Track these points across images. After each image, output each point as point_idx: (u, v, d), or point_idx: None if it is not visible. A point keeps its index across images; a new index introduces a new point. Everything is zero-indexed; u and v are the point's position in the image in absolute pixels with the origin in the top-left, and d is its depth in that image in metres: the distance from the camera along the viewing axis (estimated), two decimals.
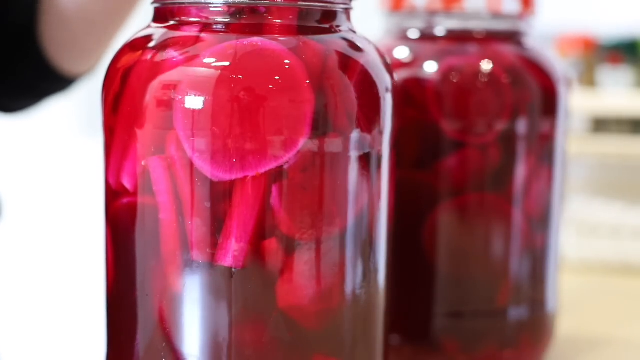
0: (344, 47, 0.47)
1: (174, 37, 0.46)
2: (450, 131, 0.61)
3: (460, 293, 0.62)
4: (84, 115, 2.23)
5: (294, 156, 0.44)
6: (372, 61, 0.48)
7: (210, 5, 0.46)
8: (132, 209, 0.46)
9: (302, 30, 0.46)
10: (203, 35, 0.46)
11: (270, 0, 0.46)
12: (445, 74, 0.61)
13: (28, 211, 1.59)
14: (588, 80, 1.34)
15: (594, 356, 0.72)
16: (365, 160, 0.47)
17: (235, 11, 0.46)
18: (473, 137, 0.61)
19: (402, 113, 0.53)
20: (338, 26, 0.48)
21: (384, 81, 0.48)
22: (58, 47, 0.71)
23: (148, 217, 0.46)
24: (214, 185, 0.44)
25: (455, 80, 0.61)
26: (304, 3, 0.46)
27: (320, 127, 0.44)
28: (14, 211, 0.83)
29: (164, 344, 0.46)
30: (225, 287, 0.45)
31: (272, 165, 0.44)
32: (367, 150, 0.47)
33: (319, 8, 0.47)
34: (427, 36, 0.64)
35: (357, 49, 0.48)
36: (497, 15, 0.63)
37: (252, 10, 0.46)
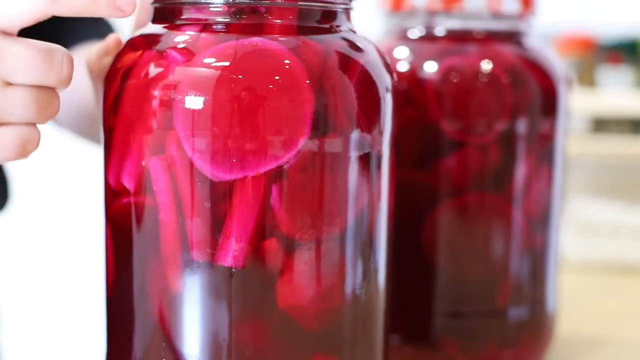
0: (344, 47, 0.47)
1: (174, 37, 0.46)
2: (450, 131, 0.61)
3: (460, 293, 0.62)
4: None
5: (294, 156, 0.44)
6: (372, 61, 0.48)
7: (210, 5, 0.46)
8: (132, 209, 0.46)
9: (302, 30, 0.46)
10: (203, 35, 0.46)
11: (270, 0, 0.46)
12: (445, 74, 0.61)
13: (28, 211, 1.59)
14: (588, 80, 1.34)
15: (593, 356, 0.72)
16: (365, 160, 0.47)
17: (235, 11, 0.46)
18: (473, 137, 0.61)
19: (402, 113, 0.53)
20: (338, 26, 0.48)
21: (384, 81, 0.48)
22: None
23: (148, 217, 0.46)
24: (214, 185, 0.44)
25: (455, 80, 0.61)
26: (304, 3, 0.46)
27: (320, 127, 0.44)
28: (13, 211, 0.83)
29: (164, 344, 0.46)
30: (225, 287, 0.45)
31: (272, 165, 0.44)
32: (367, 150, 0.47)
33: (319, 8, 0.47)
34: (427, 36, 0.64)
35: (357, 49, 0.47)
36: (497, 15, 0.63)
37: (252, 10, 0.46)
